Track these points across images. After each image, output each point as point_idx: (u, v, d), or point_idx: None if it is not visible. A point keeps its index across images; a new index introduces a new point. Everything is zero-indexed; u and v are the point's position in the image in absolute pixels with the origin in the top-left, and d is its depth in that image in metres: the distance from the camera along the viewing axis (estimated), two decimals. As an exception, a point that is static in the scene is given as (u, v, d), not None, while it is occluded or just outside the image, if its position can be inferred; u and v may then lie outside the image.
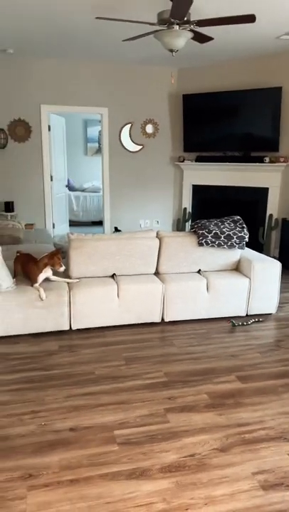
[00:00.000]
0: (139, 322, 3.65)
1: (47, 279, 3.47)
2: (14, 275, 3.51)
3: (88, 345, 3.28)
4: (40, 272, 3.38)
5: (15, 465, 2.00)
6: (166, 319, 3.71)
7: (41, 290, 3.32)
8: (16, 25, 4.40)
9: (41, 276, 3.39)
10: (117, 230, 6.19)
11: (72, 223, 8.24)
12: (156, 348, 3.25)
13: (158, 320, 3.69)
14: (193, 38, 3.78)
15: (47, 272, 3.43)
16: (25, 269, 3.51)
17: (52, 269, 3.46)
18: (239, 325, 3.66)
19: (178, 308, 3.69)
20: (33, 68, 5.96)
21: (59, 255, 3.42)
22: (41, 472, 1.96)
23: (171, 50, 3.68)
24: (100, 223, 8.42)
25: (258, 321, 3.75)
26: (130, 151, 6.60)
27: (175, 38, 3.54)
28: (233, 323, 3.66)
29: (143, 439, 2.20)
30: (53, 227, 6.61)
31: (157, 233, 3.80)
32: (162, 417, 2.39)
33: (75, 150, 9.45)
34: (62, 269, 3.42)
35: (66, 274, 3.67)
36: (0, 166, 6.14)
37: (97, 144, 9.53)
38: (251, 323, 3.69)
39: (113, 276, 3.68)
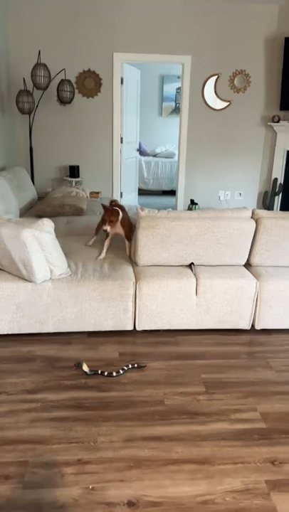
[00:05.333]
0: (222, 328, 2.84)
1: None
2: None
3: (157, 356, 2.55)
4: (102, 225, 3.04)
5: None
6: (258, 327, 2.85)
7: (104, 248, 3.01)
8: None
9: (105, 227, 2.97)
10: (193, 203, 5.32)
11: (141, 192, 7.48)
12: (247, 370, 2.43)
13: (247, 327, 2.85)
14: None
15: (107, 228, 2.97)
16: None
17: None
18: (96, 373, 2.30)
19: (275, 313, 2.82)
20: (105, 9, 5.07)
21: (107, 216, 2.95)
22: None
23: None
24: (171, 193, 7.58)
25: (135, 367, 2.40)
26: (214, 109, 5.57)
27: None
28: (86, 372, 2.30)
29: (237, 539, 1.44)
30: (121, 196, 5.88)
31: (253, 213, 2.89)
32: (264, 497, 1.60)
33: (148, 109, 8.53)
34: (104, 227, 2.94)
35: (133, 261, 2.94)
36: (66, 125, 5.46)
37: (173, 103, 8.53)
38: (123, 372, 2.33)
39: (191, 266, 2.88)
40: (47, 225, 2.52)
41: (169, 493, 1.61)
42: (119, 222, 2.99)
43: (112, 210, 2.95)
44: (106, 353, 2.57)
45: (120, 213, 2.98)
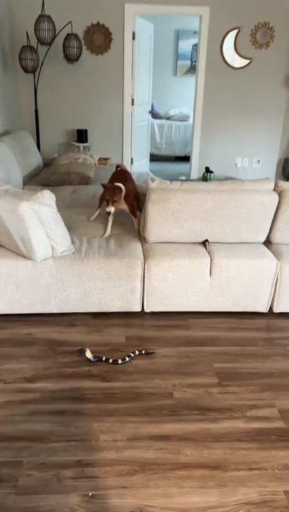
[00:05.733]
0: (237, 310, 2.63)
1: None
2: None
3: (166, 341, 2.37)
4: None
5: None
6: (276, 310, 2.64)
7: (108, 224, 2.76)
8: None
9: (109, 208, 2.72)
10: (208, 171, 4.99)
11: (153, 157, 7.11)
12: (263, 359, 2.24)
13: (264, 310, 2.64)
14: None
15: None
16: None
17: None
18: (100, 360, 2.14)
19: (296, 296, 2.60)
20: None
21: (109, 195, 2.67)
22: None
23: None
24: (184, 159, 7.20)
25: (142, 354, 2.22)
26: (233, 67, 5.12)
27: None
28: (90, 359, 2.13)
29: None
30: (131, 162, 5.57)
31: (276, 185, 2.61)
32: (283, 510, 1.44)
33: (161, 68, 7.99)
34: (107, 209, 2.67)
35: (142, 237, 2.71)
36: (73, 85, 5.09)
37: (189, 62, 7.97)
38: (129, 360, 2.16)
39: (205, 243, 2.64)
40: (47, 197, 2.28)
41: (176, 503, 1.45)
42: (122, 197, 2.73)
43: (113, 188, 2.66)
44: (112, 336, 2.39)
45: (123, 189, 2.70)
